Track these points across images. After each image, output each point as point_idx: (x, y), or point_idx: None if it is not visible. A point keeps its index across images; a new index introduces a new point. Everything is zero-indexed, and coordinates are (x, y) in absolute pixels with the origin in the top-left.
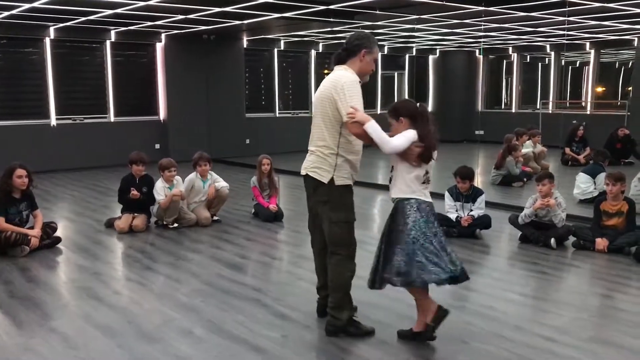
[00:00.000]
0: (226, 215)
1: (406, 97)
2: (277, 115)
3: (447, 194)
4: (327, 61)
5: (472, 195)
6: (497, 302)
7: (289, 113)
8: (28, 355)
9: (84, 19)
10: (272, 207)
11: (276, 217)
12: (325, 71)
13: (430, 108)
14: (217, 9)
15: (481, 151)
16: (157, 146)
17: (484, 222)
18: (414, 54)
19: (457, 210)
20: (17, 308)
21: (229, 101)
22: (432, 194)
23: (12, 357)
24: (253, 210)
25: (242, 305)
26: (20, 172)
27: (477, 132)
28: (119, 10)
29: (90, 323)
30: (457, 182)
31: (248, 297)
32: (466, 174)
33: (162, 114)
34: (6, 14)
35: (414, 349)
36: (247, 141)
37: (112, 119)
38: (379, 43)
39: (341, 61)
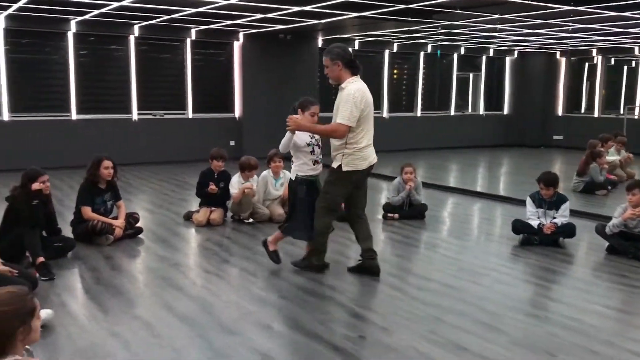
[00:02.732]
0: None
1: (482, 99)
2: None
3: (529, 200)
4: (399, 61)
5: (555, 202)
6: (583, 314)
7: None
8: (113, 341)
9: (167, 17)
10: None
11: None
12: (395, 71)
13: (505, 111)
14: (296, 8)
15: (560, 157)
16: (232, 143)
17: (568, 230)
18: (491, 54)
19: (539, 218)
20: (103, 294)
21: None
22: (509, 200)
23: (99, 341)
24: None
25: (319, 303)
26: (107, 163)
27: (555, 137)
28: (202, 9)
29: (171, 312)
30: (541, 189)
31: (324, 295)
32: (551, 181)
33: (238, 111)
34: (96, 12)
35: (500, 357)
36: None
37: (190, 115)
38: (456, 43)
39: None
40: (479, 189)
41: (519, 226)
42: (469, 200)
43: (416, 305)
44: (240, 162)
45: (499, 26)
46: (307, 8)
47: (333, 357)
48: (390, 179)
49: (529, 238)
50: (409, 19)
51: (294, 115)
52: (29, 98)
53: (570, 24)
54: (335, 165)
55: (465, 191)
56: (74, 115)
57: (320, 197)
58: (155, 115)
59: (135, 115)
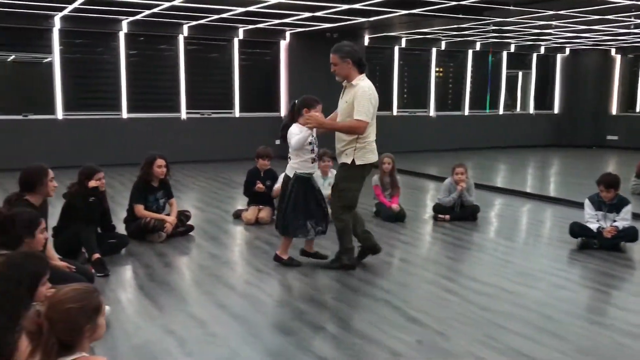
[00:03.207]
0: None
1: (532, 97)
2: (395, 113)
3: (587, 202)
4: (446, 59)
5: (616, 204)
6: None
7: (407, 112)
8: (169, 339)
9: (216, 17)
10: (395, 206)
11: (398, 217)
12: (440, 69)
13: (556, 110)
14: (345, 6)
15: (615, 157)
16: (278, 142)
17: (630, 234)
18: (542, 52)
19: (598, 221)
20: (156, 291)
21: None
22: (565, 201)
23: (154, 338)
24: (375, 209)
25: (372, 305)
26: (160, 161)
27: (609, 137)
28: (251, 8)
29: (224, 310)
30: (601, 191)
31: (377, 298)
32: (612, 182)
33: (284, 110)
34: (147, 12)
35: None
36: None
37: (237, 114)
38: (506, 40)
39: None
40: (529, 190)
41: (577, 229)
42: (519, 201)
43: (472, 310)
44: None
45: (554, 23)
46: (356, 6)
47: None
48: (436, 178)
49: (588, 242)
50: (460, 16)
51: (315, 113)
52: (82, 97)
53: (632, 19)
54: (347, 160)
55: (515, 192)
56: (124, 114)
57: (338, 196)
58: (203, 115)
59: (184, 114)
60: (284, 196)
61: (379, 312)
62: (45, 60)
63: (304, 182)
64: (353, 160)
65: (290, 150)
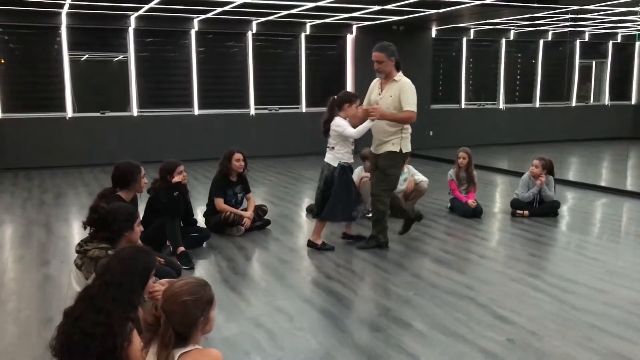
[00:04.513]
0: (421, 208)
1: (607, 88)
2: (463, 106)
3: None
4: (512, 49)
5: None
6: None
7: (475, 104)
8: (259, 332)
9: (285, 12)
10: (471, 202)
11: (474, 213)
12: (512, 60)
13: (633, 100)
14: None
15: None
16: None
17: None
18: (619, 40)
19: None
20: (241, 284)
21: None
22: None
23: (246, 331)
24: (449, 205)
25: (458, 303)
26: (238, 156)
27: None
28: (320, 3)
29: (311, 305)
30: None
31: (462, 295)
32: None
33: None
34: (219, 10)
35: None
36: (430, 133)
37: (304, 109)
38: (581, 29)
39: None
40: (606, 184)
41: None
42: (595, 195)
43: (565, 309)
44: (363, 154)
45: (637, 8)
46: None
47: None
48: (507, 172)
49: None
50: (534, 4)
51: (377, 106)
52: (155, 94)
53: None
54: (395, 148)
55: (591, 186)
56: (196, 111)
57: (382, 181)
58: (270, 110)
59: (252, 110)
60: (328, 184)
61: (464, 309)
62: (116, 59)
63: (347, 171)
64: (400, 148)
65: (336, 141)
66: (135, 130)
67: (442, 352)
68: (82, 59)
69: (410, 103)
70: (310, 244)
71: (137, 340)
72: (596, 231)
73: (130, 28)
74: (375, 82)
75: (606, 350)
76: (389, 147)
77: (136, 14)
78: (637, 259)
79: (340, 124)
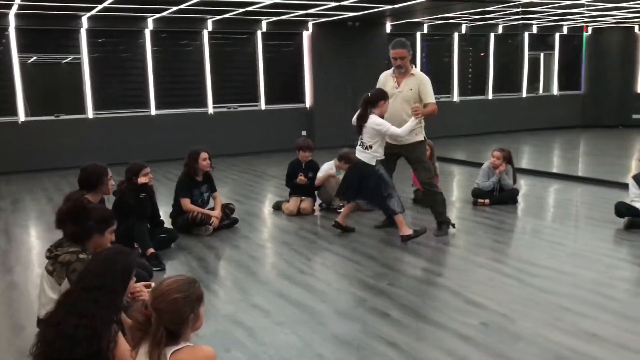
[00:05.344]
0: None
1: (555, 78)
2: None
3: (632, 182)
4: (464, 43)
5: None
6: None
7: None
8: (238, 329)
9: (241, 10)
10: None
11: None
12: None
13: (581, 90)
14: None
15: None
16: (304, 133)
17: None
18: (565, 32)
19: None
20: (215, 283)
21: (373, 87)
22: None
23: (225, 328)
24: (413, 197)
25: (431, 291)
26: (204, 155)
27: (635, 117)
28: (277, 0)
29: (286, 300)
30: None
31: (434, 283)
32: None
33: (309, 101)
34: (174, 8)
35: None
36: None
37: (263, 106)
38: (529, 23)
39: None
40: (559, 171)
41: (623, 209)
42: (549, 182)
43: (533, 292)
44: (342, 153)
45: (585, 1)
46: None
47: (460, 344)
48: (464, 163)
49: (635, 221)
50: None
51: (415, 105)
52: (111, 96)
53: None
54: (420, 138)
55: (544, 173)
56: (152, 111)
57: (425, 170)
58: (229, 108)
59: (210, 108)
60: (377, 184)
61: (439, 296)
62: (66, 60)
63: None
64: (424, 136)
65: (374, 140)
66: (92, 133)
67: (420, 339)
68: (33, 61)
69: (431, 95)
70: (404, 239)
71: (122, 342)
72: (554, 216)
73: (82, 29)
74: (387, 76)
75: (574, 329)
76: (415, 138)
77: (88, 14)
78: (595, 242)
79: (380, 122)
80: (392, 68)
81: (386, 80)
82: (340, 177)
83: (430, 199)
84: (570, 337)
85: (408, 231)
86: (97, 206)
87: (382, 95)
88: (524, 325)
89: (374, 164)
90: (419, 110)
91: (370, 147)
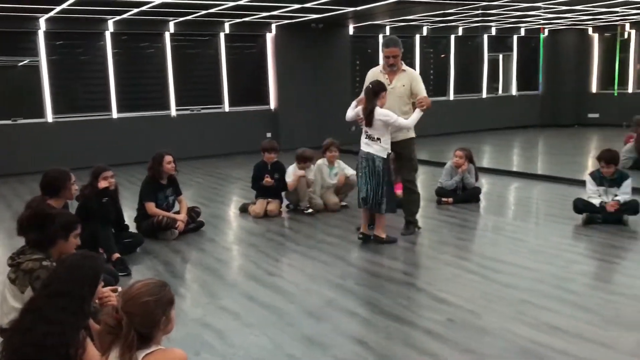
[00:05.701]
0: (352, 200)
1: (514, 79)
2: None
3: (589, 179)
4: (425, 45)
5: (616, 179)
6: None
7: None
8: (208, 332)
9: (204, 12)
10: (399, 192)
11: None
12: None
13: (539, 90)
14: None
15: (597, 135)
16: (268, 134)
17: (632, 207)
18: (523, 34)
19: (600, 196)
20: (182, 287)
21: (336, 89)
22: (562, 180)
23: (194, 332)
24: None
25: (398, 289)
26: (168, 158)
27: (590, 116)
28: (241, 2)
29: (255, 302)
30: (602, 167)
31: (401, 281)
32: (611, 158)
33: (273, 102)
34: (135, 10)
35: (599, 336)
36: (353, 128)
37: (227, 109)
38: (488, 24)
39: None
40: (519, 169)
41: (581, 205)
42: (510, 180)
43: (497, 288)
44: (297, 154)
45: (542, 4)
46: None
47: (428, 340)
48: (426, 163)
49: (592, 217)
50: (447, 1)
51: (422, 97)
52: (71, 99)
53: None
54: (411, 134)
55: (505, 172)
56: (114, 114)
57: (412, 168)
58: (192, 111)
59: (173, 111)
60: (381, 176)
61: (405, 294)
62: (22, 63)
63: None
64: (414, 134)
65: (382, 132)
66: (52, 137)
67: (388, 336)
68: None
69: (424, 90)
70: (378, 239)
71: (91, 348)
72: (515, 214)
73: (40, 30)
74: (376, 73)
75: (537, 322)
76: (407, 134)
77: (46, 15)
78: (555, 238)
79: (388, 114)
80: (381, 65)
81: (376, 77)
82: (311, 176)
83: (408, 197)
84: (533, 330)
85: (382, 234)
86: (60, 211)
87: (383, 87)
88: (489, 320)
89: (385, 156)
90: (424, 102)
91: (379, 139)
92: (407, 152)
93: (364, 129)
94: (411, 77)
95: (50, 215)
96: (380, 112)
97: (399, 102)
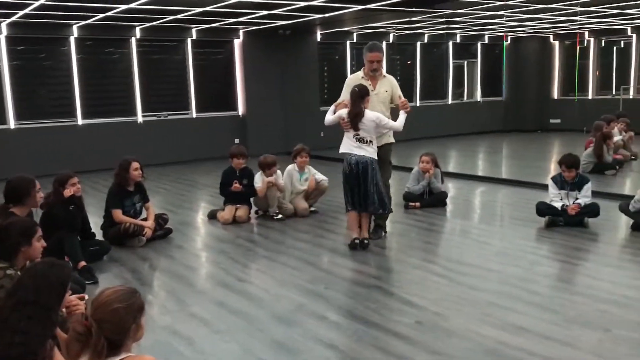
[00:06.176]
0: (322, 206)
1: (478, 86)
2: None
3: (551, 183)
4: (392, 51)
5: (577, 183)
6: (626, 290)
7: None
8: (177, 339)
9: (171, 17)
10: None
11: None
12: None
13: (503, 96)
14: (302, 3)
15: (558, 140)
16: (237, 140)
17: (593, 210)
18: (486, 41)
19: (561, 199)
20: (150, 294)
21: (304, 95)
22: (525, 184)
23: (163, 339)
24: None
25: (367, 293)
26: (135, 165)
27: (552, 121)
28: (208, 8)
29: (225, 309)
30: (563, 171)
31: (369, 285)
32: (572, 163)
33: (241, 109)
34: (101, 15)
35: (561, 335)
36: (322, 134)
37: (194, 115)
38: (453, 32)
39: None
40: (483, 174)
41: (544, 208)
42: (475, 185)
43: (463, 290)
44: (259, 162)
45: (504, 12)
46: (313, 2)
47: (396, 343)
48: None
49: (554, 219)
50: (413, 9)
51: (404, 99)
52: (34, 105)
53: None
54: (391, 139)
55: (469, 176)
56: (79, 121)
57: (387, 171)
58: (159, 117)
59: (140, 117)
60: (377, 177)
61: (374, 298)
62: None
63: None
64: (393, 140)
65: (371, 134)
66: (14, 144)
67: (357, 339)
68: None
69: (402, 95)
70: (370, 238)
71: (58, 357)
72: (481, 217)
73: (1, 35)
74: (358, 78)
75: (503, 323)
76: (388, 139)
77: (7, 20)
78: (519, 240)
79: (379, 116)
80: (361, 71)
81: (358, 82)
82: (281, 181)
83: (388, 197)
84: (499, 331)
85: (352, 235)
86: (15, 219)
87: (367, 91)
88: (456, 321)
89: (376, 157)
90: (408, 104)
91: (371, 142)
92: (387, 157)
93: (353, 133)
94: (392, 83)
95: (3, 227)
96: (370, 115)
97: (381, 107)
